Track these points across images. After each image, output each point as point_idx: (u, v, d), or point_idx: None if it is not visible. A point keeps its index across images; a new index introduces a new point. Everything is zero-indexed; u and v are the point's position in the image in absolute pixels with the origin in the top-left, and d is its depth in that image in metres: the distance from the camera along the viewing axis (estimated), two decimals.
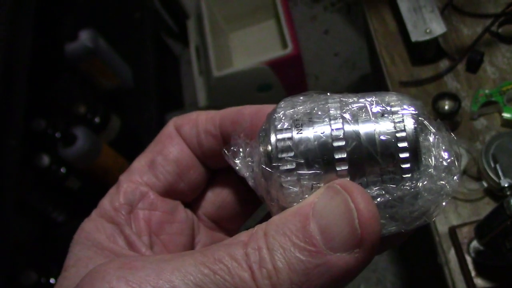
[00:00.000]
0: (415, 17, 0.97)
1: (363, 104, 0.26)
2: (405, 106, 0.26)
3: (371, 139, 0.25)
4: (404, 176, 0.25)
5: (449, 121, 0.92)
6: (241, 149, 0.30)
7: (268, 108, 0.31)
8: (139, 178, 0.33)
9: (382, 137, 0.25)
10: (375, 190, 0.25)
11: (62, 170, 1.49)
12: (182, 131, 0.34)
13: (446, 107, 0.91)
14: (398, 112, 0.25)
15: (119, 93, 1.89)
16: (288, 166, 0.26)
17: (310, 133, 0.26)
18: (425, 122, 0.26)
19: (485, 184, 0.85)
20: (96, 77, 1.78)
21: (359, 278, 1.83)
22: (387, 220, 0.26)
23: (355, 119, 0.25)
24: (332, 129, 0.25)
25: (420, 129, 0.26)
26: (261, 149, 0.27)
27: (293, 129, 0.26)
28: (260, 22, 2.19)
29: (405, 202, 0.25)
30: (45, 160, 1.44)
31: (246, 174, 0.29)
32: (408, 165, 0.25)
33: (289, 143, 0.26)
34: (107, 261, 0.25)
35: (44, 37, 1.59)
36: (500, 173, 0.78)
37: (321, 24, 2.26)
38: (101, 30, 1.76)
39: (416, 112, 0.26)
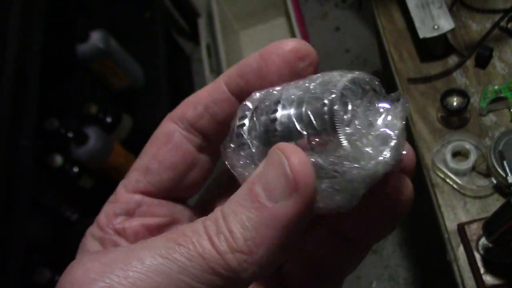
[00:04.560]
0: (423, 13, 0.96)
1: (307, 85, 0.28)
2: (339, 81, 0.27)
3: (299, 117, 0.27)
4: (328, 146, 0.26)
5: (458, 117, 0.92)
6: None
7: (270, 48, 0.30)
8: (135, 186, 0.33)
9: (308, 112, 0.27)
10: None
11: (75, 169, 1.51)
12: (186, 119, 0.33)
13: (455, 103, 0.90)
14: (329, 89, 0.27)
15: (131, 92, 1.90)
16: (241, 150, 0.29)
17: (259, 120, 0.29)
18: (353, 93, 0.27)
19: (494, 181, 0.84)
20: (108, 77, 1.79)
21: (371, 275, 1.82)
22: (329, 192, 0.27)
23: (293, 102, 0.28)
24: (269, 117, 0.28)
25: (343, 102, 0.26)
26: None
27: (249, 117, 0.29)
28: (271, 19, 2.19)
29: (337, 168, 0.26)
30: (58, 159, 1.46)
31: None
32: (328, 137, 0.26)
33: (242, 130, 0.29)
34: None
35: (56, 38, 1.60)
36: (508, 170, 0.78)
37: (332, 21, 2.25)
38: (112, 31, 1.78)
39: (346, 85, 0.27)
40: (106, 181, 1.62)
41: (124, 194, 0.33)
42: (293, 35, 1.99)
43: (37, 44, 1.32)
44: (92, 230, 0.33)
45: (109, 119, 1.64)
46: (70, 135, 1.49)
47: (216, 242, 0.25)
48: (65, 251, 1.52)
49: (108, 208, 0.33)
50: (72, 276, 0.26)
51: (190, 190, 0.35)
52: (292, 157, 0.25)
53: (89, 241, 0.32)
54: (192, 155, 0.33)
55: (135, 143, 1.74)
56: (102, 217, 0.32)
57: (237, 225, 0.25)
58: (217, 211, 0.26)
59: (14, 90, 1.20)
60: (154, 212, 0.33)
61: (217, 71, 2.02)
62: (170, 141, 0.33)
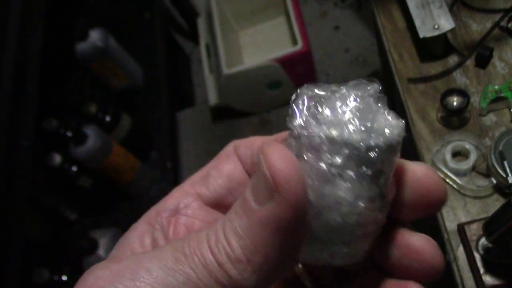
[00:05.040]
0: (423, 13, 0.96)
1: None
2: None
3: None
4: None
5: (458, 117, 0.92)
6: None
7: None
8: (191, 188, 0.34)
9: None
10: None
11: (74, 169, 1.50)
12: (238, 151, 0.35)
13: (455, 103, 0.90)
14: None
15: (130, 92, 1.90)
16: None
17: None
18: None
19: (494, 181, 0.84)
20: (107, 76, 1.79)
21: None
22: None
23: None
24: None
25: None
26: None
27: None
28: (270, 19, 2.19)
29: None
30: (57, 159, 1.46)
31: None
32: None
33: None
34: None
35: (55, 38, 1.60)
36: (508, 170, 0.78)
37: (331, 20, 2.25)
38: (111, 30, 1.77)
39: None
40: (105, 181, 1.62)
41: (178, 192, 0.34)
42: (292, 34, 1.99)
43: (37, 44, 1.31)
44: (137, 224, 0.34)
45: (108, 119, 1.64)
46: (69, 134, 1.49)
47: (216, 252, 0.25)
48: (64, 250, 1.52)
49: (159, 203, 0.34)
50: (83, 284, 0.26)
51: None
52: (271, 155, 0.25)
53: (130, 234, 0.33)
54: (245, 174, 0.35)
55: (134, 143, 1.74)
56: (152, 211, 0.34)
57: (233, 234, 0.25)
58: (219, 221, 0.27)
59: (13, 89, 1.20)
60: (200, 216, 0.34)
61: (216, 70, 2.01)
62: (230, 157, 0.35)
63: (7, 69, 1.19)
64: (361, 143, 0.26)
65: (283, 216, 0.24)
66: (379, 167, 0.27)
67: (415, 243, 0.29)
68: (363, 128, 0.27)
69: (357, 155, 0.26)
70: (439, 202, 0.29)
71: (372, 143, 0.26)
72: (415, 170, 0.29)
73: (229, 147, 0.36)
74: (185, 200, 0.34)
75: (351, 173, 0.26)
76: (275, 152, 0.25)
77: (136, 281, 0.25)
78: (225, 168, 0.34)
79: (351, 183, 0.26)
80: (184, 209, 0.33)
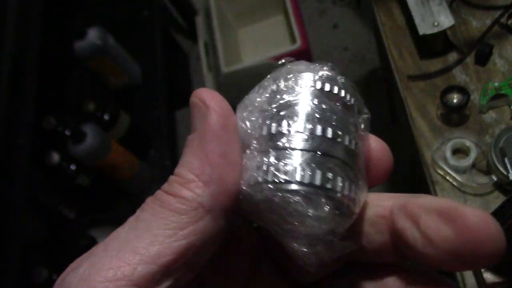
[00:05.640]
0: (422, 10, 0.96)
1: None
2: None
3: None
4: None
5: (458, 115, 0.91)
6: None
7: None
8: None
9: None
10: None
11: (72, 167, 1.50)
12: None
13: (455, 101, 0.90)
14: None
15: (128, 90, 1.90)
16: None
17: None
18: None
19: (494, 178, 0.84)
20: (105, 74, 1.79)
21: None
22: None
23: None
24: None
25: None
26: None
27: None
28: (269, 17, 2.18)
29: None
30: (55, 157, 1.45)
31: None
32: None
33: None
34: None
35: (54, 36, 1.60)
36: (509, 167, 0.78)
37: (330, 19, 2.25)
38: (110, 28, 1.77)
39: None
40: (104, 180, 1.62)
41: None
42: (291, 32, 1.98)
43: (35, 42, 1.31)
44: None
45: (106, 117, 1.63)
46: (67, 133, 1.48)
47: (170, 190, 0.26)
48: (62, 249, 1.52)
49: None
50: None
51: None
52: (197, 91, 0.28)
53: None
54: None
55: (133, 141, 1.73)
56: None
57: (181, 167, 0.26)
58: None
59: (11, 88, 1.19)
60: None
61: (214, 68, 2.01)
62: None
63: (5, 67, 1.19)
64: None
65: (216, 123, 0.26)
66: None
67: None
68: None
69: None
70: (491, 257, 0.23)
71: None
72: (469, 215, 0.24)
73: None
74: None
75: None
76: (199, 90, 0.28)
77: (107, 251, 0.25)
78: None
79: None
80: None
